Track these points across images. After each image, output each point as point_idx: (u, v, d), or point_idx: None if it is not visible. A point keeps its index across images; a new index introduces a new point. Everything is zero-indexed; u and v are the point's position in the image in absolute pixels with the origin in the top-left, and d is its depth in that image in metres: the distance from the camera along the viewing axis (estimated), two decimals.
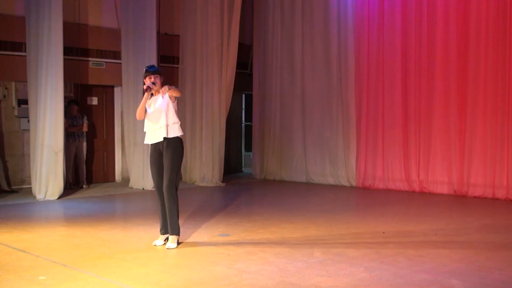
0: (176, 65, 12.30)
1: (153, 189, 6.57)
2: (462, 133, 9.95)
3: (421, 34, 10.39)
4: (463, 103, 9.94)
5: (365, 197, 10.42)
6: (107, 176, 12.08)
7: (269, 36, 12.88)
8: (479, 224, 7.51)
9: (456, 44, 9.98)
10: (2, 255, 5.70)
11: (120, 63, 11.35)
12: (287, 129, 12.60)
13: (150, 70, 6.10)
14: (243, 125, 14.90)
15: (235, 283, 4.73)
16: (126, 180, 11.73)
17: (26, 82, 9.90)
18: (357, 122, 11.36)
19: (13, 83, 10.47)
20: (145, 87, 6.06)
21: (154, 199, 6.20)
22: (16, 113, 10.49)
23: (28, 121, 10.01)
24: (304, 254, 5.71)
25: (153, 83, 6.03)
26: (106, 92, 12.03)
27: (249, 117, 14.65)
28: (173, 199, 5.97)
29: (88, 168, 11.48)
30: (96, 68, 11.51)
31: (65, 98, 10.16)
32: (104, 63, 11.61)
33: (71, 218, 7.94)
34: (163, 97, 6.01)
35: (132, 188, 11.07)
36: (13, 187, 10.33)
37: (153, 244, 6.11)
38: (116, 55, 11.57)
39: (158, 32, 11.37)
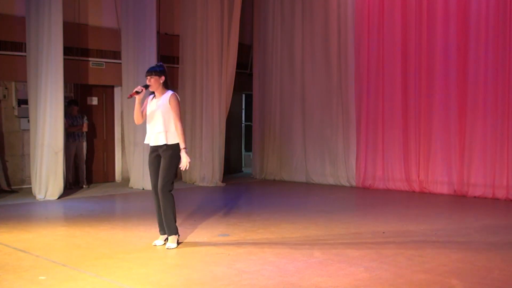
0: (176, 65, 12.30)
1: (151, 188, 6.53)
2: (462, 133, 9.96)
3: (421, 34, 10.39)
4: (463, 103, 9.94)
5: (365, 197, 10.42)
6: (107, 176, 12.08)
7: (269, 36, 12.88)
8: (479, 224, 7.51)
9: (456, 44, 9.98)
10: (2, 255, 5.70)
11: (120, 63, 11.35)
12: (287, 129, 12.60)
13: (147, 72, 6.06)
14: (243, 125, 14.90)
15: (235, 283, 4.73)
16: (126, 180, 11.73)
17: (26, 82, 9.90)
18: (357, 122, 11.36)
19: (13, 83, 10.47)
20: (128, 95, 6.06)
21: (153, 199, 6.19)
22: (16, 113, 10.49)
23: (28, 121, 10.01)
24: (304, 254, 5.71)
25: (146, 86, 6.01)
26: (106, 92, 12.03)
27: (249, 117, 14.65)
28: (167, 199, 5.94)
29: (88, 168, 11.48)
30: (96, 68, 11.51)
31: (65, 98, 10.17)
32: (104, 63, 11.61)
33: (71, 218, 7.94)
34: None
35: (132, 188, 11.07)
36: (13, 187, 10.34)
37: (153, 244, 6.11)
38: (116, 55, 11.58)
39: (158, 32, 11.37)
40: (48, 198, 9.50)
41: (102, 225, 7.31)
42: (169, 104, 5.95)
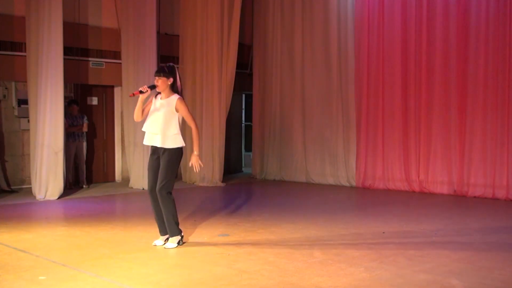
0: (176, 65, 12.24)
1: (148, 190, 6.51)
2: (462, 133, 9.96)
3: (421, 34, 10.39)
4: (463, 103, 9.94)
5: (365, 197, 10.42)
6: (107, 176, 12.08)
7: (269, 36, 12.88)
8: (479, 224, 7.51)
9: (456, 44, 9.98)
10: (2, 255, 5.70)
11: (120, 63, 11.35)
12: (287, 129, 12.60)
13: (156, 72, 6.03)
14: (243, 125, 14.89)
15: (235, 283, 4.73)
16: (126, 180, 11.73)
17: (26, 82, 9.90)
18: (357, 122, 11.36)
19: (13, 83, 10.46)
20: (130, 94, 6.06)
21: (150, 200, 6.17)
22: (16, 113, 10.49)
23: (28, 121, 10.01)
24: (304, 254, 5.71)
25: (153, 86, 5.98)
26: (106, 92, 12.03)
27: (249, 117, 14.65)
28: (167, 201, 5.92)
29: (88, 168, 11.48)
30: (96, 68, 11.51)
31: (65, 98, 10.16)
32: (104, 63, 11.61)
33: (71, 218, 7.94)
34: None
35: (132, 188, 11.07)
36: (13, 187, 10.33)
37: (153, 244, 6.11)
38: (116, 55, 11.57)
39: (158, 32, 11.37)
40: (48, 198, 9.49)
41: (102, 225, 7.31)
42: (177, 110, 5.91)
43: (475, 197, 9.74)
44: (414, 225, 7.35)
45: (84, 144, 11.03)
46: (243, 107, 14.86)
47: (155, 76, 6.01)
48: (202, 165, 6.02)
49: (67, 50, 10.21)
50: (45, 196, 9.48)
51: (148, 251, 5.87)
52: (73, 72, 10.93)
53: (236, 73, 12.17)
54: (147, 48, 10.83)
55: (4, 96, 10.37)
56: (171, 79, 6.02)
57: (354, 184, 11.45)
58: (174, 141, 5.94)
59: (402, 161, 10.72)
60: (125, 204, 9.81)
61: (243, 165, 14.77)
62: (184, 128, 6.19)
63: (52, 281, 4.78)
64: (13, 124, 10.52)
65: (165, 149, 5.94)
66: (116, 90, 12.01)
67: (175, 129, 5.94)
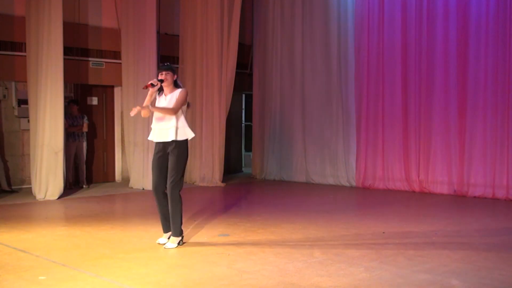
0: (176, 65, 12.29)
1: (152, 189, 6.52)
2: (462, 133, 9.96)
3: (421, 34, 10.39)
4: (463, 103, 9.95)
5: (365, 197, 10.42)
6: (107, 176, 12.08)
7: (269, 36, 12.88)
8: (479, 224, 7.51)
9: (456, 44, 9.99)
10: (2, 255, 5.70)
11: (120, 63, 11.35)
12: (287, 129, 12.60)
13: (163, 67, 6.05)
14: (243, 125, 14.90)
15: (235, 283, 4.73)
16: (126, 180, 11.73)
17: (26, 82, 9.90)
18: (357, 122, 11.36)
19: (13, 83, 10.46)
20: (144, 86, 6.06)
21: (154, 199, 6.19)
22: (16, 113, 10.49)
23: (28, 121, 10.01)
24: (304, 254, 5.71)
25: (161, 80, 6.00)
26: (106, 92, 12.03)
27: (249, 117, 14.65)
28: (176, 200, 5.95)
29: (88, 168, 11.48)
30: (96, 68, 11.51)
31: (65, 98, 10.16)
32: (104, 63, 11.61)
33: (71, 218, 7.94)
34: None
35: (132, 188, 11.07)
36: (13, 187, 10.33)
37: (157, 242, 6.11)
38: (116, 55, 11.57)
39: (158, 32, 11.37)
40: (48, 198, 9.49)
41: (102, 225, 7.31)
42: (177, 95, 5.93)
43: (475, 197, 9.74)
44: (414, 225, 7.35)
45: (84, 144, 11.03)
46: (243, 107, 14.86)
47: (162, 71, 6.00)
48: (136, 112, 5.80)
49: (67, 50, 10.21)
50: (45, 196, 9.48)
51: (148, 251, 5.87)
52: (73, 72, 10.93)
53: (236, 73, 12.17)
54: (147, 48, 10.82)
55: (4, 96, 10.37)
56: (175, 76, 6.09)
57: (354, 184, 11.45)
58: (185, 132, 5.98)
59: (402, 161, 10.72)
60: (125, 204, 9.81)
61: (243, 165, 14.77)
62: (193, 121, 6.16)
63: (52, 281, 4.78)
64: (13, 124, 10.52)
65: (176, 144, 5.94)
66: (116, 90, 12.01)
67: (182, 121, 5.98)
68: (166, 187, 6.01)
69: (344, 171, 11.62)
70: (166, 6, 12.36)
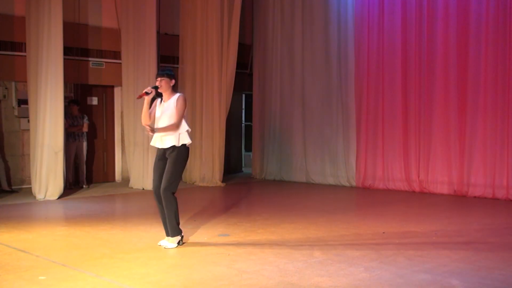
0: (176, 65, 12.29)
1: (153, 190, 6.52)
2: (462, 133, 9.96)
3: (421, 34, 10.39)
4: (463, 103, 9.94)
5: (365, 197, 10.42)
6: (107, 176, 12.08)
7: (269, 36, 12.88)
8: (479, 224, 7.51)
9: (456, 44, 9.98)
10: (2, 255, 5.70)
11: (120, 63, 11.35)
12: (287, 129, 12.60)
13: (158, 73, 6.05)
14: (243, 125, 14.90)
15: (235, 283, 4.73)
16: (126, 180, 11.73)
17: (26, 82, 9.90)
18: (357, 122, 11.36)
19: (13, 83, 10.46)
20: (137, 96, 6.06)
21: (154, 199, 6.19)
22: (16, 113, 10.49)
23: (28, 121, 10.01)
24: (304, 254, 5.71)
25: (156, 87, 6.00)
26: (106, 92, 12.03)
27: (249, 117, 14.65)
28: (170, 202, 5.94)
29: (88, 168, 11.47)
30: (96, 68, 11.51)
31: (65, 98, 10.16)
32: (104, 63, 11.61)
33: (71, 218, 7.94)
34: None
35: (132, 188, 11.07)
36: (13, 187, 10.33)
37: (159, 244, 6.09)
38: (116, 55, 11.57)
39: (158, 32, 11.37)
40: (48, 198, 9.49)
41: (102, 225, 7.31)
42: (176, 103, 5.94)
43: (475, 197, 9.74)
44: (414, 225, 7.35)
45: (85, 144, 11.02)
46: (243, 107, 14.86)
47: (158, 77, 6.01)
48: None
49: (67, 50, 10.21)
50: (45, 196, 9.48)
51: (148, 251, 5.87)
52: (73, 72, 10.93)
53: (236, 73, 12.17)
54: (147, 48, 10.83)
55: (4, 96, 10.37)
56: (173, 81, 6.05)
57: (354, 184, 11.44)
58: (183, 138, 5.98)
59: (402, 161, 10.72)
60: (125, 204, 9.81)
61: (243, 165, 14.77)
62: (193, 121, 6.16)
63: (52, 281, 4.78)
64: (13, 124, 10.52)
65: (173, 148, 5.95)
66: (116, 90, 12.01)
67: (183, 127, 5.98)
68: None
69: (344, 171, 11.62)
70: (166, 6, 12.36)
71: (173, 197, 5.96)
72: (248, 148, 14.54)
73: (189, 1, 11.85)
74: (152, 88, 6.01)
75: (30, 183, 10.01)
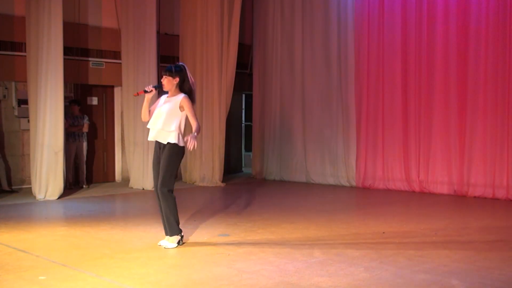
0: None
1: (153, 189, 6.56)
2: (462, 133, 9.96)
3: (421, 34, 10.39)
4: (463, 103, 9.95)
5: (365, 197, 10.42)
6: (107, 176, 12.08)
7: (269, 36, 12.88)
8: (479, 224, 7.51)
9: (456, 44, 9.99)
10: (2, 255, 5.70)
11: (120, 63, 11.35)
12: (287, 129, 12.60)
13: (164, 71, 6.02)
14: (243, 125, 14.89)
15: (235, 283, 4.73)
16: (126, 180, 11.73)
17: (26, 82, 9.89)
18: (357, 122, 11.36)
19: (13, 83, 10.46)
20: (134, 93, 6.05)
21: (154, 199, 6.21)
22: (16, 113, 10.49)
23: (28, 121, 10.01)
24: (304, 254, 5.71)
25: (156, 86, 6.00)
26: (106, 92, 12.03)
27: (249, 117, 14.65)
28: (166, 199, 5.93)
29: (88, 168, 11.47)
30: (96, 68, 11.51)
31: (65, 98, 10.15)
32: (104, 63, 11.61)
33: (71, 218, 7.94)
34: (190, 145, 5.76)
35: (132, 188, 11.07)
36: (13, 187, 10.33)
37: (159, 244, 6.09)
38: (116, 55, 11.57)
39: (158, 32, 11.37)
40: (48, 198, 9.49)
41: (102, 225, 7.31)
42: (181, 107, 5.92)
43: (475, 197, 9.74)
44: (414, 225, 7.35)
45: (85, 144, 11.02)
46: (243, 107, 14.86)
47: (164, 74, 6.01)
48: (195, 147, 5.73)
49: (67, 50, 10.21)
50: (45, 196, 9.48)
51: (148, 251, 5.87)
52: (73, 72, 10.93)
53: (236, 73, 12.17)
54: (147, 48, 10.83)
55: (4, 96, 10.37)
56: (177, 79, 5.99)
57: (354, 184, 11.44)
58: (176, 138, 5.93)
59: (402, 161, 10.72)
60: (125, 204, 9.81)
61: (243, 165, 14.77)
62: (186, 129, 6.17)
63: (52, 281, 4.78)
64: (13, 124, 10.52)
65: (165, 145, 5.95)
66: (116, 90, 12.01)
67: (175, 126, 5.92)
68: None
69: (344, 171, 11.62)
70: (166, 6, 12.36)
71: (170, 195, 5.95)
72: (248, 148, 14.54)
73: (189, 1, 11.85)
74: (154, 87, 6.01)
75: (30, 183, 10.01)
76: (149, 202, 9.51)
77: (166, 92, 6.09)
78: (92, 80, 11.49)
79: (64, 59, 9.74)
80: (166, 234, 6.09)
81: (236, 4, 11.80)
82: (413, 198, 10.02)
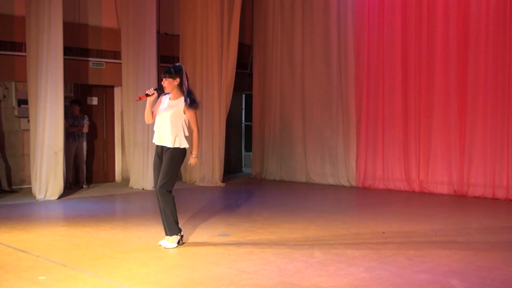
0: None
1: (153, 189, 6.57)
2: (462, 133, 9.96)
3: (421, 34, 10.39)
4: (463, 103, 9.95)
5: (365, 197, 10.42)
6: (107, 176, 12.08)
7: (269, 36, 12.88)
8: (479, 224, 7.51)
9: (456, 44, 9.98)
10: (2, 255, 5.71)
11: (120, 63, 11.35)
12: (287, 129, 12.60)
13: (163, 72, 6.03)
14: (243, 125, 14.90)
15: (235, 283, 4.73)
16: (126, 180, 11.73)
17: (26, 82, 9.90)
18: (357, 122, 11.36)
19: (13, 83, 10.46)
20: (136, 98, 6.08)
21: (154, 199, 6.21)
22: (16, 113, 10.49)
23: (28, 121, 10.01)
24: (304, 254, 5.71)
25: (157, 89, 6.00)
26: (106, 92, 12.03)
27: (249, 117, 14.65)
28: (166, 200, 5.95)
29: (88, 168, 11.47)
30: (96, 68, 11.51)
31: (65, 98, 10.15)
32: (104, 63, 11.61)
33: (71, 218, 7.94)
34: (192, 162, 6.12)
35: (132, 188, 11.07)
36: (13, 187, 10.33)
37: (158, 244, 6.09)
38: (116, 55, 11.57)
39: (158, 32, 11.37)
40: (48, 198, 9.49)
41: (102, 225, 7.31)
42: (185, 112, 5.96)
43: (475, 197, 9.74)
44: (414, 225, 7.35)
45: (84, 144, 11.02)
46: (243, 107, 14.86)
47: (162, 77, 6.02)
48: (197, 162, 6.16)
49: (67, 50, 10.21)
50: (45, 196, 9.48)
51: (148, 251, 5.87)
52: (73, 72, 10.93)
53: (236, 73, 12.17)
54: (147, 48, 10.83)
55: (4, 96, 10.37)
56: (178, 79, 6.00)
57: (354, 184, 11.44)
58: (179, 141, 5.97)
59: (402, 161, 10.72)
60: (125, 204, 9.81)
61: (243, 165, 14.77)
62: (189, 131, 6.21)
63: (52, 281, 4.78)
64: (13, 124, 10.52)
65: (168, 148, 5.97)
66: (116, 90, 12.01)
67: (180, 130, 5.97)
68: None
69: (344, 171, 11.62)
70: (166, 6, 12.36)
71: (169, 195, 5.97)
72: (248, 148, 14.55)
73: (189, 1, 11.85)
74: (155, 89, 6.02)
75: (30, 183, 10.01)
76: (149, 202, 9.51)
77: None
78: (92, 80, 11.49)
79: (64, 59, 9.75)
80: (166, 234, 6.10)
81: (236, 4, 11.80)
82: (413, 198, 10.02)
